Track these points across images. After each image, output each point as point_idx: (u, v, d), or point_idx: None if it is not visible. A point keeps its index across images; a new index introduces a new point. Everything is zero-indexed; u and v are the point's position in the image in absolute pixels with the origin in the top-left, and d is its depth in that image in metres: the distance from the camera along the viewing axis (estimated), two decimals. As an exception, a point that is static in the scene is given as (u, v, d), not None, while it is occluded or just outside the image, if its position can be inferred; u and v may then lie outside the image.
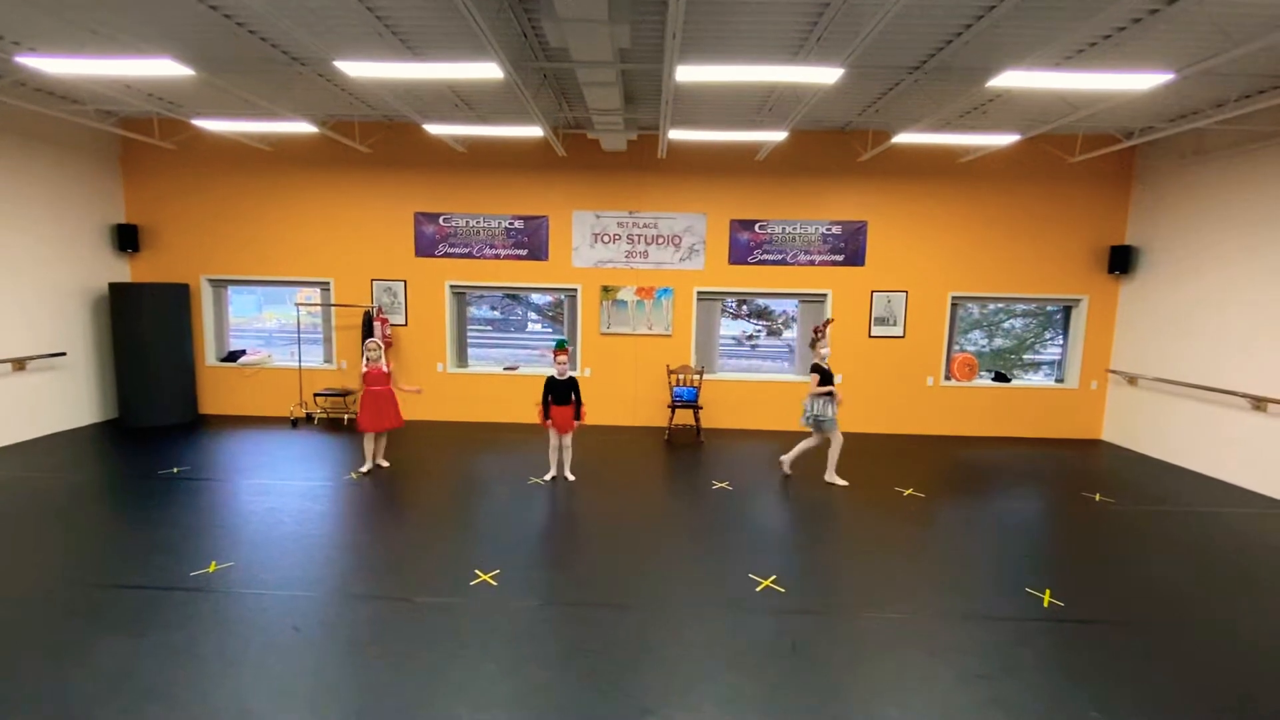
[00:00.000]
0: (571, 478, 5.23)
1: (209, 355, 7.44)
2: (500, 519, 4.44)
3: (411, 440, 6.61)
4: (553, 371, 5.04)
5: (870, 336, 7.18)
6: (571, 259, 7.22)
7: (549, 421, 5.08)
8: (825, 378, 5.12)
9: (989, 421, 7.30)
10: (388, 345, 7.17)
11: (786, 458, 5.50)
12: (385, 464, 5.41)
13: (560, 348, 5.00)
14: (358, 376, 5.15)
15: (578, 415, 5.13)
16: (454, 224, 7.19)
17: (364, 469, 5.22)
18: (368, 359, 5.11)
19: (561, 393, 5.04)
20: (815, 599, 3.43)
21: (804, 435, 5.94)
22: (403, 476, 5.38)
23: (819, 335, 5.19)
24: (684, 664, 2.85)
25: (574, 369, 7.35)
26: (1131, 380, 6.89)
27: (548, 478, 5.22)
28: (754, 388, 7.47)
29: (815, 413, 5.15)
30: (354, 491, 4.91)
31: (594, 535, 4.20)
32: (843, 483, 5.25)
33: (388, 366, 5.15)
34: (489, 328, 12.52)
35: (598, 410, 7.14)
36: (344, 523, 4.35)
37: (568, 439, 5.15)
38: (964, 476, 5.80)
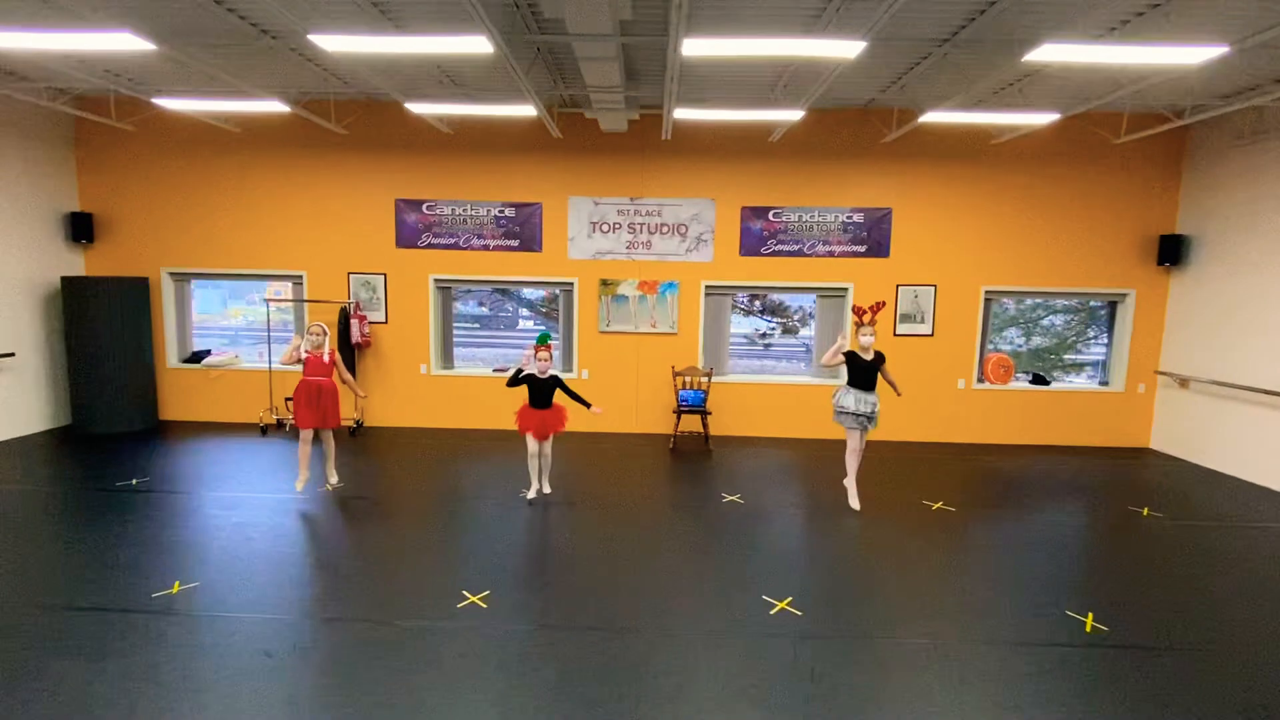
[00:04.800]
0: (548, 490, 5.13)
1: (170, 356, 7.45)
2: (490, 535, 4.44)
3: (393, 448, 6.61)
4: (532, 369, 4.92)
5: (895, 335, 7.17)
6: (567, 250, 7.21)
7: (523, 423, 4.95)
8: (853, 367, 4.88)
9: (1026, 428, 7.30)
10: (365, 344, 7.20)
11: (850, 485, 5.10)
12: (335, 481, 5.11)
13: (542, 342, 4.92)
14: (289, 355, 4.83)
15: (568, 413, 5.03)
16: (439, 212, 7.19)
17: (301, 483, 4.94)
18: (310, 344, 4.83)
19: (542, 394, 4.95)
20: (836, 623, 3.43)
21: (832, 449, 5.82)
22: (384, 489, 5.38)
23: (863, 320, 4.89)
24: (691, 694, 2.85)
25: (570, 371, 7.38)
26: (1183, 383, 6.89)
27: (529, 494, 5.08)
28: (768, 391, 7.46)
29: (836, 400, 4.97)
30: (330, 505, 4.92)
31: (593, 553, 4.21)
32: (854, 502, 5.07)
33: (330, 356, 4.86)
34: (477, 325, 12.54)
35: (595, 416, 7.13)
36: (319, 539, 4.36)
37: (548, 446, 5.05)
38: (998, 489, 5.78)
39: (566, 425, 5.11)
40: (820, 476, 5.89)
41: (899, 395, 5.03)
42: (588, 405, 5.04)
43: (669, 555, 4.20)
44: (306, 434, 4.88)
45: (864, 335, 4.87)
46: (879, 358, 4.97)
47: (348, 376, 5.02)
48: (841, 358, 4.89)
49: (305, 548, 4.21)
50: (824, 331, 7.51)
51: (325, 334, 4.90)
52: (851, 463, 5.08)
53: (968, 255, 7.10)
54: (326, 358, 4.86)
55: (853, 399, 4.93)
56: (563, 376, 5.44)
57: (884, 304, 5.08)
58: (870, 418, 4.93)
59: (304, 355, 4.84)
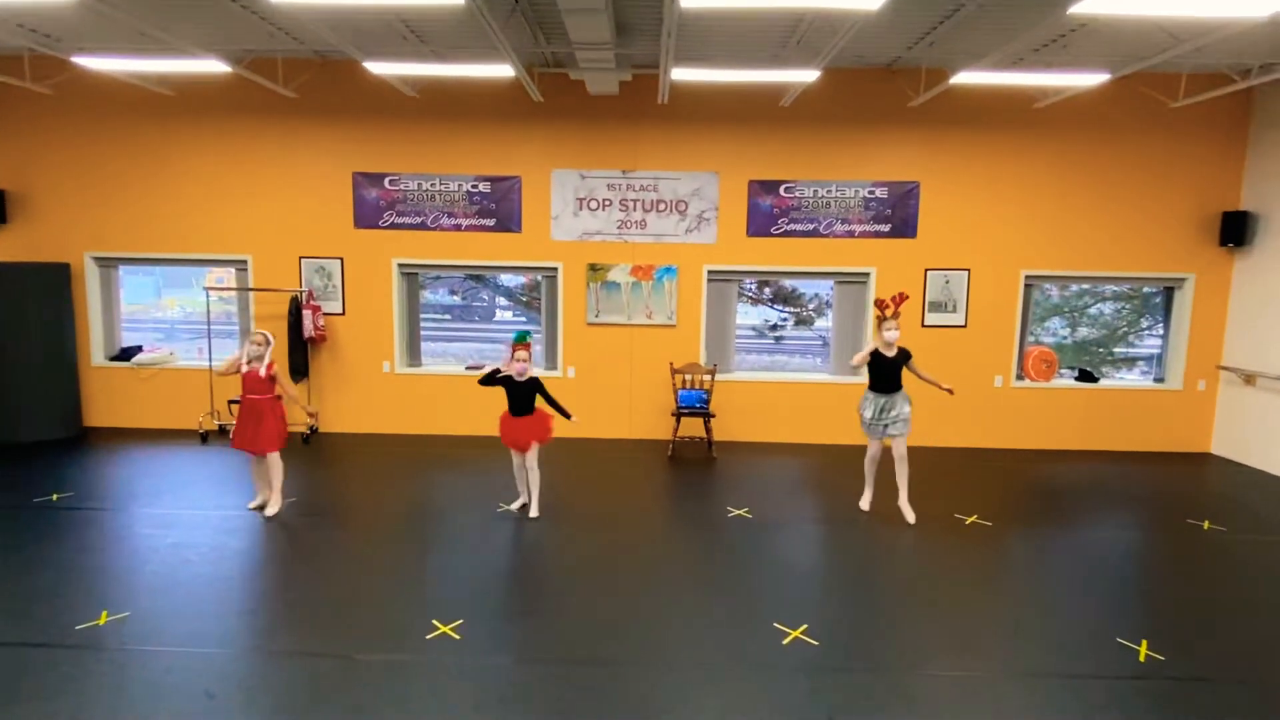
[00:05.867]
0: (536, 514, 5.12)
1: (96, 353, 7.40)
2: (464, 556, 4.44)
3: (352, 457, 6.58)
4: (509, 370, 4.91)
5: (924, 326, 7.18)
6: (550, 230, 7.20)
7: (502, 436, 4.98)
8: (875, 366, 4.96)
9: (1071, 431, 7.33)
10: (320, 339, 7.15)
11: (904, 504, 5.13)
12: (271, 512, 4.98)
13: (520, 341, 4.91)
14: (228, 366, 4.82)
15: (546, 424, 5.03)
16: (403, 187, 7.16)
17: (255, 503, 4.96)
18: (248, 355, 4.77)
19: (521, 400, 4.95)
20: (856, 654, 3.44)
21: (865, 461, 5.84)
22: (341, 503, 5.37)
23: (886, 313, 4.95)
24: (693, 736, 2.85)
25: (554, 369, 7.40)
26: (1248, 379, 6.92)
27: (515, 506, 5.20)
28: (780, 391, 7.46)
29: (861, 410, 5.10)
30: (280, 523, 4.90)
31: (581, 575, 4.21)
32: (865, 507, 5.26)
33: (268, 370, 4.80)
34: (447, 317, 12.50)
35: (584, 420, 7.12)
36: (268, 561, 4.35)
37: (531, 458, 5.07)
38: (1040, 500, 5.80)
39: (551, 435, 5.10)
40: (839, 487, 5.90)
41: (949, 391, 5.00)
42: (566, 415, 5.05)
43: (667, 578, 4.20)
44: (255, 457, 4.91)
45: (887, 330, 4.95)
46: (903, 355, 5.03)
47: (291, 391, 4.99)
48: (867, 356, 5.00)
49: (252, 571, 4.20)
50: (843, 322, 7.52)
51: (268, 344, 4.85)
52: (868, 468, 5.24)
53: (1005, 235, 7.11)
54: (264, 372, 4.80)
55: (871, 408, 5.03)
56: (547, 376, 5.42)
57: (906, 296, 5.12)
58: (894, 423, 4.99)
59: (243, 368, 4.81)
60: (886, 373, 4.98)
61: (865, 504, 5.30)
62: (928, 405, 6.72)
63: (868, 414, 5.06)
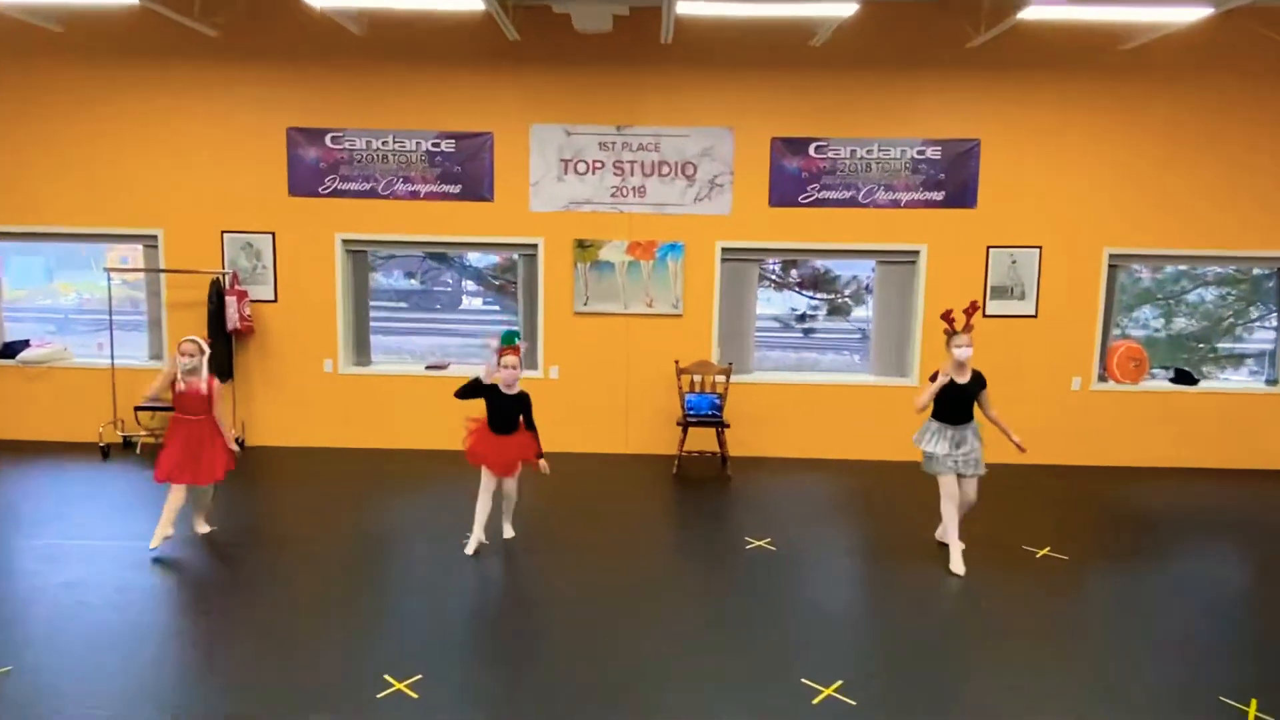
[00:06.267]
0: (511, 534, 5.15)
1: (-28, 348, 7.42)
2: (424, 597, 4.42)
3: (287, 476, 6.57)
4: (496, 376, 4.85)
5: (985, 316, 7.13)
6: (529, 199, 7.16)
7: (478, 452, 4.91)
8: (943, 394, 4.88)
9: (1165, 444, 7.31)
10: (246, 331, 7.13)
11: (951, 541, 5.05)
12: (204, 530, 5.14)
13: (509, 344, 4.91)
14: (162, 386, 4.88)
15: (533, 450, 4.98)
16: (348, 146, 7.11)
17: (158, 540, 4.87)
18: (181, 370, 4.80)
19: (506, 415, 4.92)
20: (902, 715, 3.42)
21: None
22: (274, 532, 5.36)
23: (954, 327, 4.89)
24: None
25: (533, 369, 7.26)
26: (1381, 381, 6.93)
27: (470, 548, 4.98)
28: (808, 395, 7.44)
29: (922, 446, 5.00)
30: (200, 555, 4.88)
31: (567, 619, 4.20)
32: (959, 545, 5.05)
33: (208, 385, 4.84)
34: (403, 305, 12.51)
35: (569, 431, 7.09)
36: (184, 603, 4.34)
37: (511, 485, 5.06)
38: (1126, 528, 5.80)
39: (533, 459, 5.01)
40: (881, 511, 5.90)
41: (1020, 448, 4.94)
42: (538, 457, 4.97)
43: (672, 622, 4.19)
44: (178, 488, 4.89)
45: (958, 348, 4.84)
46: (978, 380, 4.96)
47: (222, 417, 5.01)
48: (936, 392, 4.86)
49: (164, 616, 4.19)
50: (887, 312, 7.51)
51: (203, 353, 4.86)
52: (950, 513, 4.97)
53: (1085, 205, 7.08)
54: (204, 387, 4.83)
55: (943, 443, 4.91)
56: (524, 379, 5.34)
57: (978, 305, 5.09)
58: (969, 463, 4.93)
59: (181, 385, 4.81)
60: (957, 401, 4.89)
61: (956, 564, 4.95)
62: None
63: (939, 448, 4.90)
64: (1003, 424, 4.97)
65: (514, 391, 4.92)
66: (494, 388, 4.89)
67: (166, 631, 4.04)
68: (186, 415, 4.84)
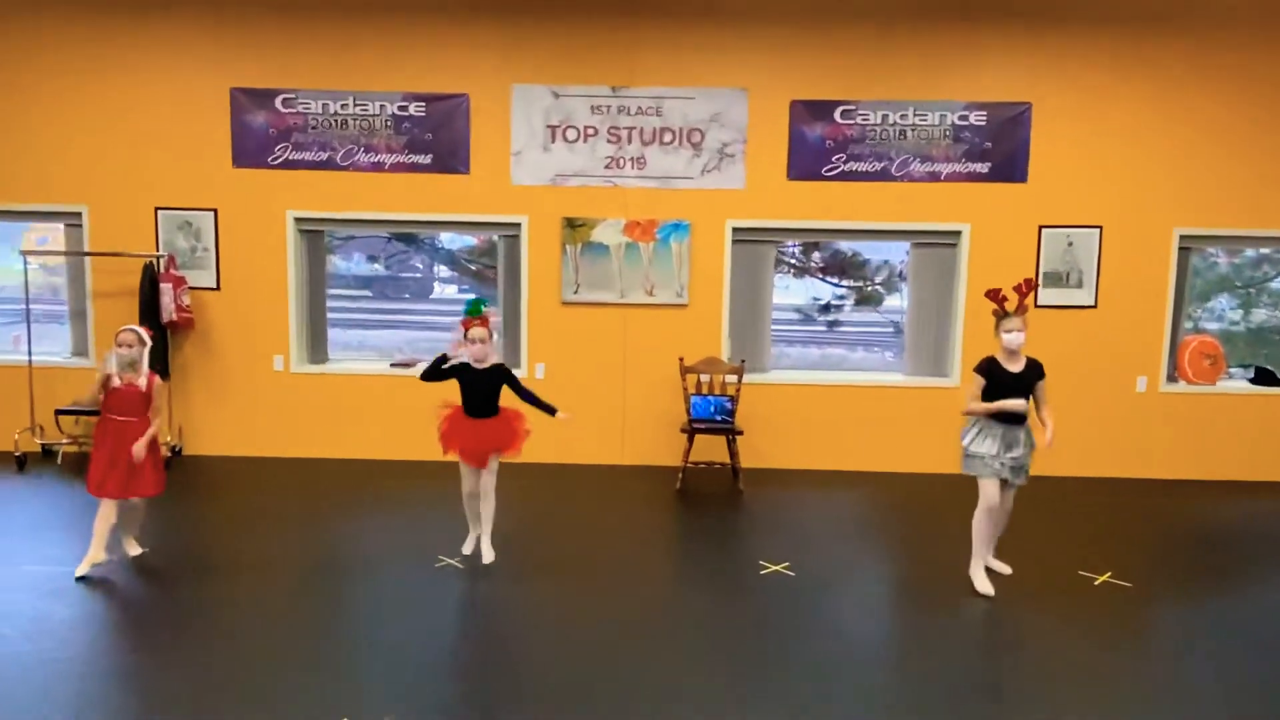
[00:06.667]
0: (490, 557, 5.08)
1: None
2: (391, 630, 4.38)
3: (232, 490, 6.55)
4: (461, 354, 4.92)
5: (1037, 306, 7.07)
6: (510, 171, 7.18)
7: (450, 438, 4.98)
8: (995, 385, 4.84)
9: (1244, 455, 7.30)
10: (185, 324, 7.13)
11: (978, 569, 5.04)
12: (135, 552, 5.17)
13: (473, 313, 4.94)
14: (98, 390, 4.81)
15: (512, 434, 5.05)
16: (302, 109, 7.11)
17: (87, 567, 4.89)
18: (118, 363, 4.78)
19: (481, 394, 4.97)
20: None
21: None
22: (216, 555, 5.33)
23: (1004, 308, 4.86)
24: None
25: (516, 366, 7.28)
26: None
27: (468, 548, 5.18)
28: (832, 397, 7.45)
29: (966, 444, 4.96)
30: (130, 582, 4.85)
31: (553, 656, 4.17)
32: (1005, 569, 5.12)
33: (149, 382, 4.84)
34: (366, 293, 12.47)
35: (556, 440, 7.05)
36: (112, 638, 4.30)
37: (488, 479, 5.05)
38: (1199, 551, 5.78)
39: (523, 442, 5.10)
40: (917, 531, 5.89)
41: (1047, 443, 4.92)
42: (551, 411, 5.06)
43: (676, 659, 4.15)
44: (110, 503, 4.88)
45: (1008, 332, 4.79)
46: (1034, 369, 4.89)
47: (157, 421, 4.99)
48: (981, 382, 4.84)
49: (90, 652, 4.14)
50: (923, 301, 7.51)
51: (144, 344, 4.85)
52: (983, 527, 4.97)
53: (1153, 179, 7.07)
54: (143, 383, 4.83)
55: (992, 442, 4.85)
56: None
57: (1034, 283, 5.02)
58: (1018, 470, 4.90)
59: (115, 382, 4.81)
60: (1012, 393, 4.81)
61: (983, 583, 4.99)
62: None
63: (988, 447, 4.85)
64: (1050, 421, 4.90)
65: (486, 366, 4.95)
66: (465, 366, 4.92)
67: (89, 669, 3.96)
68: (117, 416, 4.83)
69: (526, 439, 5.13)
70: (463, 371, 4.94)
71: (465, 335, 4.91)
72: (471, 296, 5.30)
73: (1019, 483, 4.97)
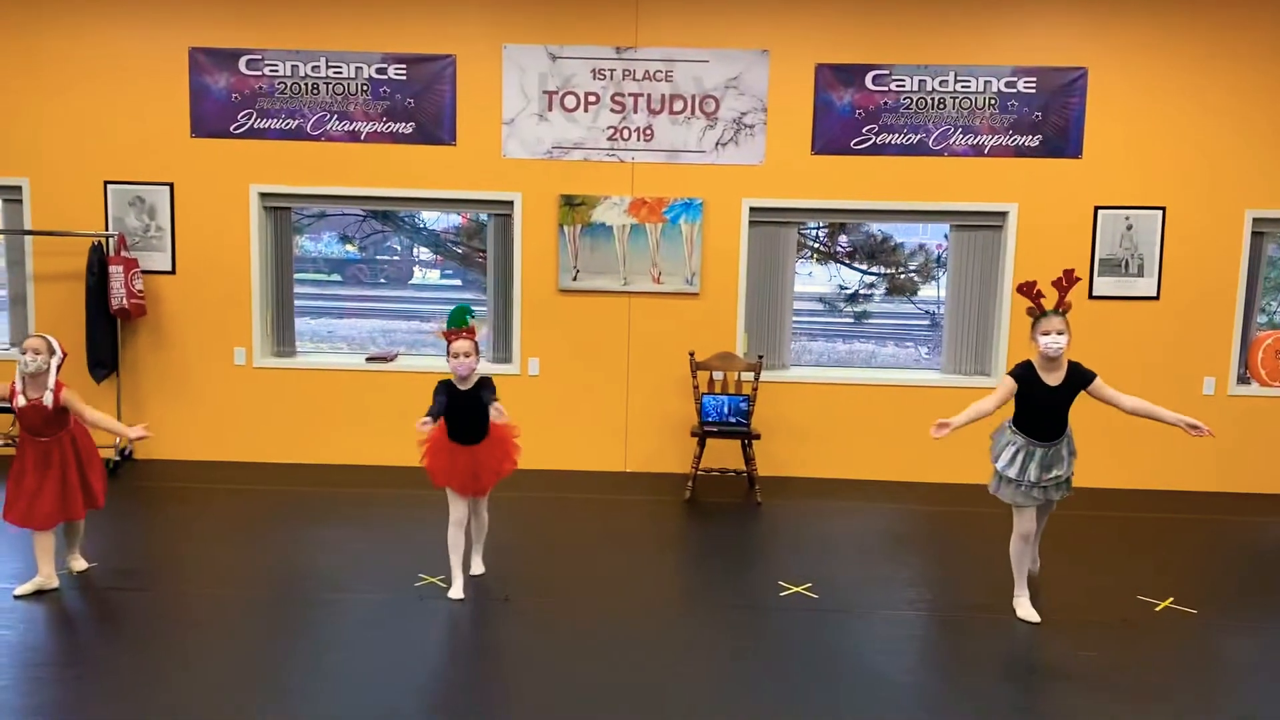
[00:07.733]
0: (481, 569, 5.16)
1: None
2: (366, 657, 4.32)
3: (188, 499, 6.53)
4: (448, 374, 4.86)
5: (1091, 297, 7.10)
6: (501, 142, 7.13)
7: (438, 471, 4.89)
8: (1024, 400, 4.72)
9: (1321, 466, 7.19)
10: (136, 312, 7.13)
11: (1021, 599, 5.00)
12: (80, 567, 5.19)
13: (458, 324, 4.81)
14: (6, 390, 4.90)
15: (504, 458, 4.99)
16: (268, 72, 7.10)
17: (27, 589, 4.91)
18: (21, 372, 4.77)
19: (469, 415, 4.88)
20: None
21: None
22: (169, 573, 5.27)
23: (1040, 305, 4.63)
24: None
25: (507, 362, 7.39)
26: None
27: (454, 593, 4.99)
28: (860, 398, 7.41)
29: (998, 465, 4.83)
30: (73, 604, 4.80)
31: (549, 686, 4.09)
32: (1028, 614, 4.97)
33: (58, 394, 4.79)
34: (337, 278, 12.51)
35: (552, 443, 7.08)
36: (52, 662, 4.24)
37: (481, 506, 5.07)
38: (1273, 575, 5.74)
39: (516, 465, 5.05)
40: (954, 548, 5.88)
41: (1205, 432, 4.66)
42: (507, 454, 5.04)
43: (682, 697, 4.04)
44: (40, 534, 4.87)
45: (1045, 334, 4.58)
46: (1078, 375, 4.69)
47: (99, 417, 4.98)
48: (1011, 384, 4.67)
49: (28, 684, 4.02)
50: (963, 291, 7.44)
51: (52, 353, 4.80)
52: (1022, 557, 4.92)
53: (1222, 155, 6.98)
54: (49, 400, 4.77)
55: (1031, 465, 4.71)
56: (495, 374, 5.35)
57: (1076, 276, 4.79)
58: (1059, 486, 4.80)
59: (20, 399, 4.79)
60: (1046, 408, 4.67)
61: (1027, 611, 4.94)
62: (1089, 427, 6.64)
63: (1019, 472, 4.72)
64: (1157, 410, 4.72)
65: (470, 385, 4.81)
66: (448, 385, 4.82)
67: (28, 699, 3.88)
68: (37, 436, 4.85)
69: (517, 459, 5.09)
70: (450, 390, 4.82)
71: (448, 350, 4.80)
72: (457, 306, 5.16)
73: (1059, 498, 4.92)
